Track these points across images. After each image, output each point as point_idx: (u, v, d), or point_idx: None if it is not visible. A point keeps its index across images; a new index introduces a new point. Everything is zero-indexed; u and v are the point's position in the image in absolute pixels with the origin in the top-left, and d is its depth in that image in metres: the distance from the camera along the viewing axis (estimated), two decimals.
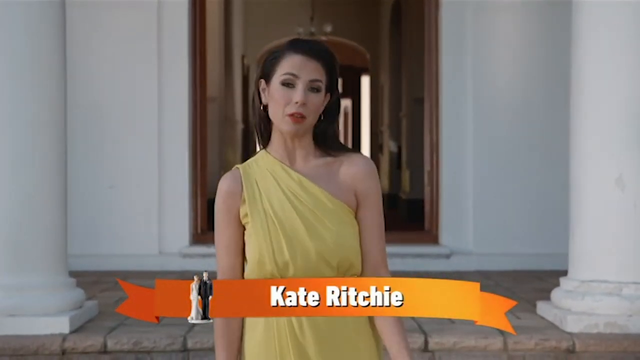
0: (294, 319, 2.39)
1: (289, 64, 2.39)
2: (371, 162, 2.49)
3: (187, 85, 8.15)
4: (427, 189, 8.53)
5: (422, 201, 8.69)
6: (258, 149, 2.55)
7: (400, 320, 2.43)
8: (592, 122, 5.33)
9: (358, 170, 2.45)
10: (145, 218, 8.02)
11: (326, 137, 2.47)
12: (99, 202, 7.98)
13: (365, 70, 18.93)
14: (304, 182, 2.42)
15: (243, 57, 17.05)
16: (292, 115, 2.38)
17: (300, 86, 2.38)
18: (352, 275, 2.43)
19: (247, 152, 17.72)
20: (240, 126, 16.67)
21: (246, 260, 2.46)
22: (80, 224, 7.63)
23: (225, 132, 14.07)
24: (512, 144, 8.10)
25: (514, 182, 8.09)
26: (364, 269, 2.47)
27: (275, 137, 2.45)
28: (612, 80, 5.25)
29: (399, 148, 15.12)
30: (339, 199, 2.42)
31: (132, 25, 8.04)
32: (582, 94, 5.39)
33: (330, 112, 2.47)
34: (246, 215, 2.42)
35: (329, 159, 2.46)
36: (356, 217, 2.45)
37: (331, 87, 2.45)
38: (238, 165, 2.49)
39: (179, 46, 8.12)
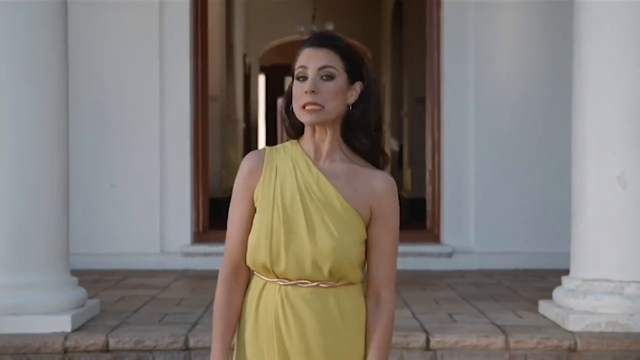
0: (280, 318, 2.39)
1: (300, 59, 2.42)
2: (393, 182, 2.47)
3: (189, 84, 8.15)
4: (428, 188, 8.53)
5: (423, 200, 8.69)
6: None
7: (386, 336, 2.44)
8: (594, 120, 5.33)
9: (379, 187, 2.43)
10: (147, 217, 8.02)
11: (352, 124, 2.43)
12: (100, 201, 7.98)
13: (372, 70, 18.90)
14: (320, 179, 2.42)
15: (244, 56, 17.06)
16: (304, 106, 2.39)
17: (310, 76, 2.40)
18: (344, 285, 2.42)
19: (249, 151, 17.70)
20: (241, 125, 16.68)
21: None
22: (82, 222, 7.63)
23: (226, 131, 14.09)
24: (513, 143, 8.10)
25: (516, 181, 8.09)
26: (368, 285, 2.47)
27: (305, 130, 2.47)
28: (614, 79, 5.25)
29: (401, 147, 15.12)
30: (351, 205, 2.41)
31: (133, 24, 8.04)
32: (584, 92, 5.38)
33: (360, 99, 2.44)
34: (258, 198, 2.44)
35: (353, 166, 2.44)
36: (368, 234, 2.44)
37: (356, 74, 2.44)
38: (266, 147, 2.51)
39: (181, 45, 8.12)
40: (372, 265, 2.45)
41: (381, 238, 2.44)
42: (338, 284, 2.41)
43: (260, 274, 2.44)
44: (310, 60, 2.40)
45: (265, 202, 2.42)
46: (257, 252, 2.40)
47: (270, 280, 2.42)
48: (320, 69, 2.39)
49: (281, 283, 2.40)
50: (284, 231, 2.38)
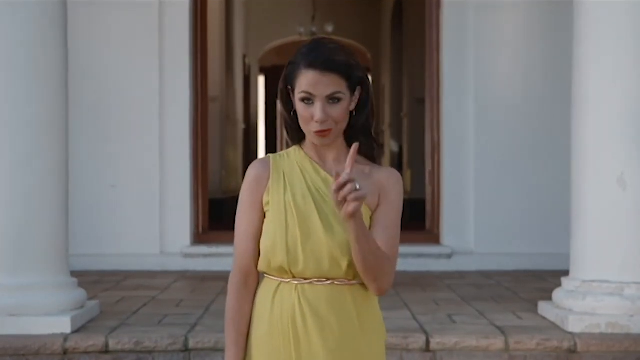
0: (297, 314, 2.40)
1: (305, 82, 2.38)
2: (398, 173, 2.51)
3: (189, 85, 8.15)
4: (428, 189, 8.53)
5: (423, 201, 8.69)
6: (279, 148, 2.57)
7: (377, 249, 2.37)
8: (594, 121, 5.33)
9: (386, 176, 2.47)
10: (147, 218, 8.02)
11: (357, 130, 2.46)
12: (100, 202, 7.98)
13: (366, 70, 18.93)
14: (329, 180, 2.43)
15: (244, 56, 17.06)
16: (316, 132, 2.40)
17: (318, 104, 2.38)
18: (359, 284, 2.43)
19: (249, 152, 17.73)
20: (241, 126, 16.68)
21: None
22: (81, 223, 7.63)
23: (226, 132, 14.08)
24: (513, 144, 8.10)
25: (516, 182, 8.09)
26: None
27: (308, 137, 2.48)
28: (613, 79, 5.25)
29: (400, 148, 15.12)
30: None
31: (133, 25, 8.04)
32: (583, 92, 5.38)
33: (360, 105, 2.46)
34: (268, 203, 2.45)
35: (359, 166, 2.45)
36: (372, 214, 2.46)
37: (357, 84, 2.44)
38: (269, 155, 2.52)
39: (180, 45, 8.12)
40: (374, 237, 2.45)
41: (383, 214, 2.44)
42: (353, 282, 2.42)
43: (275, 276, 2.45)
44: (317, 87, 2.37)
45: (276, 205, 2.43)
46: (273, 254, 2.41)
47: (285, 280, 2.43)
48: (328, 96, 2.38)
49: (297, 282, 2.41)
50: (300, 230, 2.39)
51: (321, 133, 2.40)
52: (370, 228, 2.45)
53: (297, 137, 2.51)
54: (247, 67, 17.54)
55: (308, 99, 2.39)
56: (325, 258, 2.38)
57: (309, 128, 2.41)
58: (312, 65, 2.38)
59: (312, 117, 2.39)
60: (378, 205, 2.45)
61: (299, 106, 2.41)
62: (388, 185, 2.46)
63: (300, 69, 2.39)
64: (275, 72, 20.52)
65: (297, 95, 2.41)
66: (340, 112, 2.40)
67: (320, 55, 2.39)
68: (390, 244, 2.45)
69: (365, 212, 2.43)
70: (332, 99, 2.39)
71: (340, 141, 2.48)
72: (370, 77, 2.54)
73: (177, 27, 8.12)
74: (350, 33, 17.29)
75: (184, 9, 8.13)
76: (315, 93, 2.38)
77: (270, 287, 2.45)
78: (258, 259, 2.47)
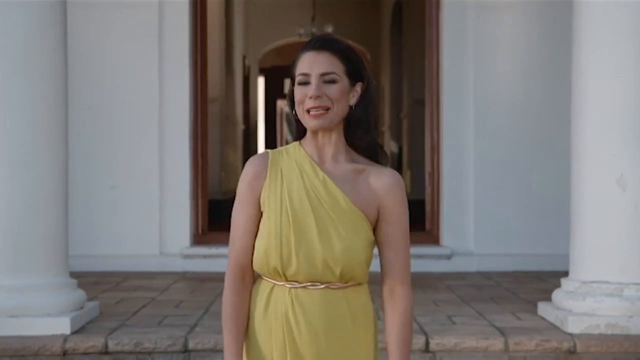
0: (292, 322, 2.39)
1: (302, 64, 2.41)
2: (400, 177, 2.47)
3: (188, 86, 8.15)
4: (428, 190, 8.53)
5: (423, 202, 8.69)
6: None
7: (406, 333, 2.45)
8: (593, 122, 5.33)
9: (385, 183, 2.44)
10: (146, 219, 8.02)
11: (355, 124, 2.44)
12: (99, 203, 7.98)
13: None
14: (327, 182, 2.42)
15: (244, 57, 17.06)
16: (309, 111, 2.40)
17: (313, 82, 2.39)
18: (352, 285, 2.43)
19: (248, 153, 17.72)
20: (241, 126, 16.68)
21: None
22: (81, 224, 7.63)
23: (226, 133, 14.09)
24: (513, 144, 8.10)
25: (515, 183, 8.09)
26: (383, 282, 2.48)
27: (308, 134, 2.47)
28: (613, 80, 5.25)
29: (400, 149, 15.12)
30: (358, 207, 2.41)
31: (133, 26, 8.04)
32: (583, 93, 5.38)
33: (362, 100, 2.45)
34: (264, 202, 2.43)
35: (358, 167, 2.45)
36: (377, 231, 2.45)
37: (357, 75, 2.44)
38: (268, 150, 2.51)
39: (180, 46, 8.12)
40: (385, 263, 2.46)
41: (391, 233, 2.44)
42: (347, 284, 2.42)
43: (269, 278, 2.44)
44: (312, 66, 2.39)
45: (273, 207, 2.42)
46: (268, 257, 2.40)
47: (279, 283, 2.42)
48: (323, 74, 2.39)
49: (290, 286, 2.41)
50: (294, 235, 2.38)
51: (316, 110, 2.38)
52: (380, 247, 2.45)
53: (300, 134, 2.49)
54: (247, 67, 17.55)
55: (305, 82, 2.40)
56: (319, 264, 2.38)
57: (304, 108, 2.40)
58: (309, 46, 2.42)
59: (305, 97, 2.39)
60: (380, 216, 2.44)
61: (296, 90, 2.42)
62: (388, 196, 2.43)
63: (299, 56, 2.43)
64: (275, 73, 20.51)
65: (296, 80, 2.42)
66: (336, 91, 2.40)
67: (317, 38, 2.44)
68: (402, 268, 2.45)
69: (365, 225, 2.42)
70: (327, 80, 2.39)
71: (338, 137, 2.45)
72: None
73: (177, 27, 8.12)
74: (350, 33, 17.27)
75: (184, 9, 8.13)
76: (310, 72, 2.39)
77: (265, 289, 2.44)
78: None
